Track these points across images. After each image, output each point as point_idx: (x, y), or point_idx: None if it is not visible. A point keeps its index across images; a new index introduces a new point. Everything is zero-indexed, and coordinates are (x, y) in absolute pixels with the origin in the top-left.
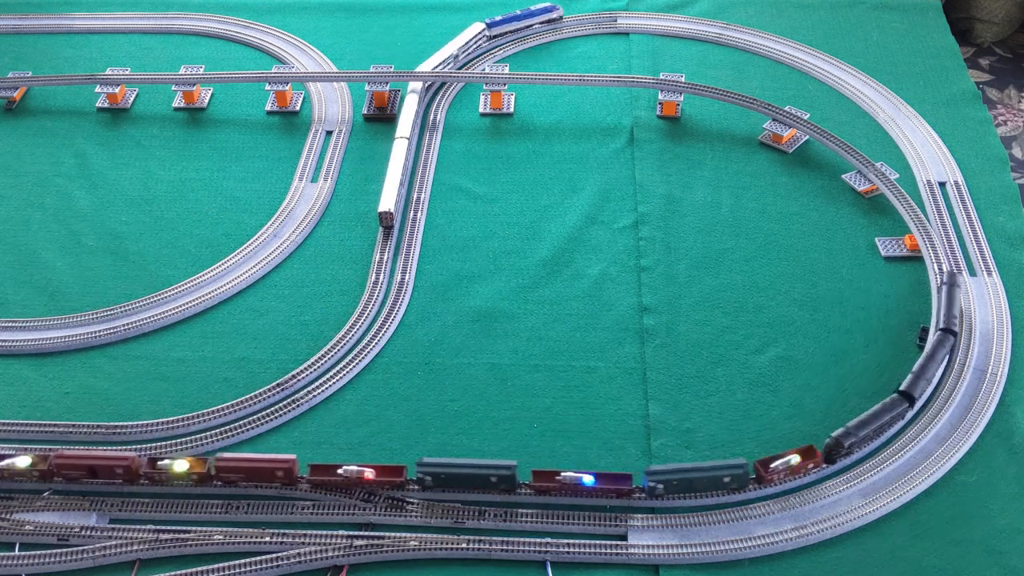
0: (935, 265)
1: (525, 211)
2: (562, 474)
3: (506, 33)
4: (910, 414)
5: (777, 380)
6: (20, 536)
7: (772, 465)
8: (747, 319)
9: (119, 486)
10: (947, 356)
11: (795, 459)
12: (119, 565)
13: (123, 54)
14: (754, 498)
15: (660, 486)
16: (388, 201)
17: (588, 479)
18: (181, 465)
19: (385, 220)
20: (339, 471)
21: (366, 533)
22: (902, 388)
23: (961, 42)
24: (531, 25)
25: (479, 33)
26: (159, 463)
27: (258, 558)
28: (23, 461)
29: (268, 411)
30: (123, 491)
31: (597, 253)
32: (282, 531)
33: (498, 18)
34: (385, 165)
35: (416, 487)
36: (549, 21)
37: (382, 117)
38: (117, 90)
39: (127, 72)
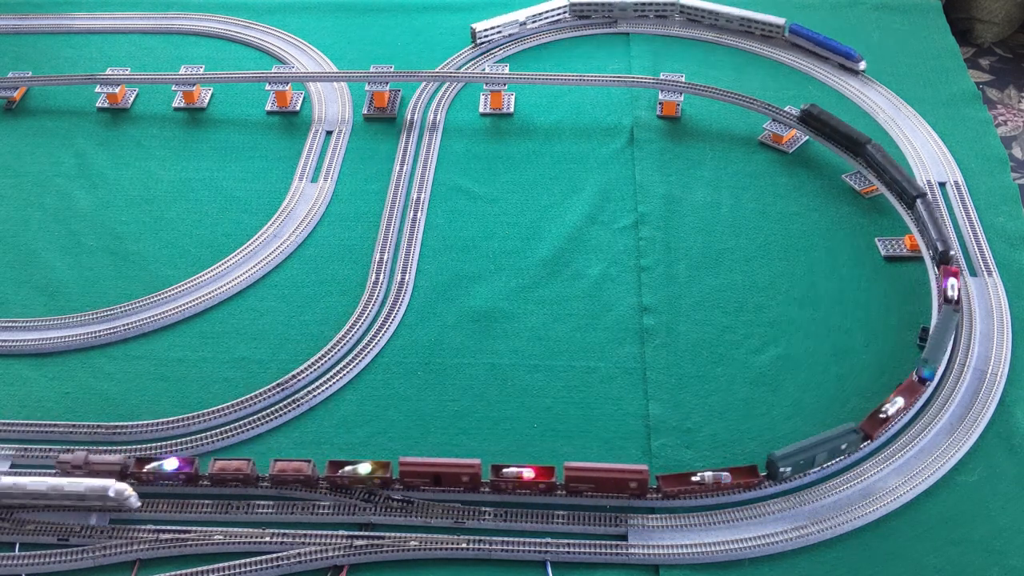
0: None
1: (525, 211)
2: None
3: (802, 47)
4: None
5: (777, 379)
6: (20, 536)
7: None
8: (747, 319)
9: None
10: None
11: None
12: (119, 565)
13: (123, 54)
14: (754, 498)
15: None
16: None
17: (726, 476)
18: (365, 468)
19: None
20: (693, 479)
21: (366, 533)
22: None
23: (961, 42)
24: (824, 56)
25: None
26: (503, 471)
27: (258, 558)
28: (364, 468)
29: (268, 411)
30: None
31: (597, 253)
32: (282, 531)
33: (803, 29)
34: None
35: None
36: (843, 66)
37: (382, 117)
38: (117, 90)
39: (127, 72)
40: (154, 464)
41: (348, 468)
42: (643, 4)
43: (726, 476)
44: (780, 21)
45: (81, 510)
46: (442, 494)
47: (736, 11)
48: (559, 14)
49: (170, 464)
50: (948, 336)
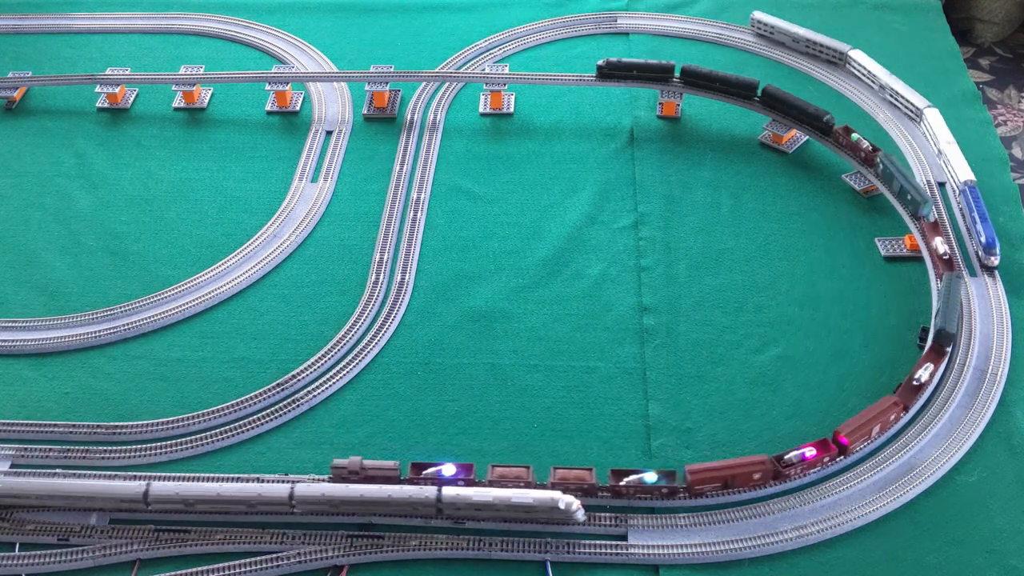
0: (935, 266)
1: (525, 211)
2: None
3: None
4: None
5: (777, 380)
6: (20, 536)
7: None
8: (747, 319)
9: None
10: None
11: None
12: (119, 565)
13: (123, 54)
14: (754, 498)
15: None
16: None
17: (810, 451)
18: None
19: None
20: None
21: (366, 533)
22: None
23: (961, 42)
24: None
25: None
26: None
27: (258, 558)
28: (650, 477)
29: (268, 411)
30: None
31: (597, 253)
32: (282, 531)
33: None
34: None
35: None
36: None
37: (382, 117)
38: (117, 90)
39: (127, 72)
40: (431, 470)
41: (633, 477)
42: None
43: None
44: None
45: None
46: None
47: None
48: None
49: (448, 470)
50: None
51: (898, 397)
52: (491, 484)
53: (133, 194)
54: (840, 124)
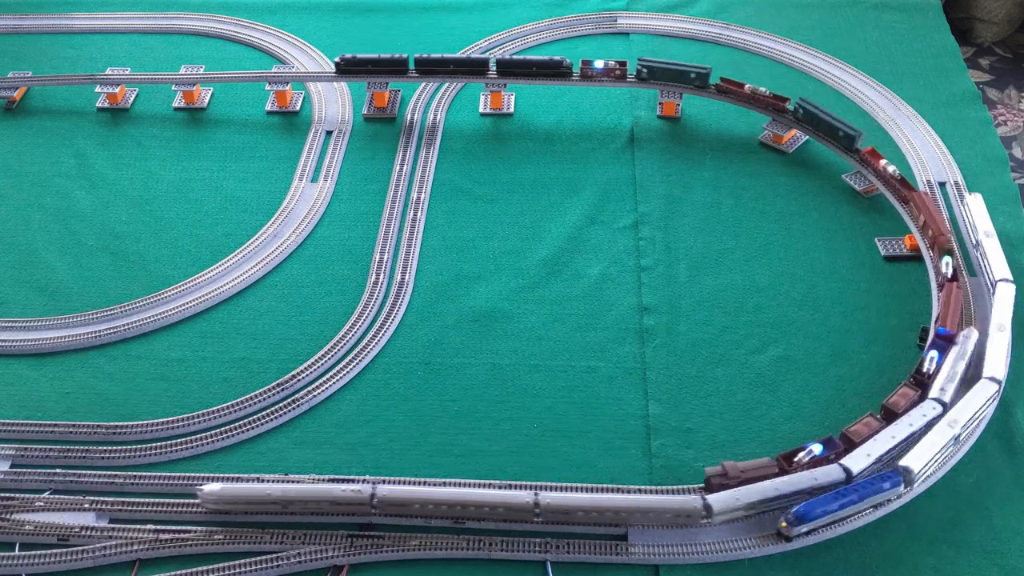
0: (935, 266)
1: (525, 211)
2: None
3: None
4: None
5: (777, 380)
6: (20, 536)
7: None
8: (747, 319)
9: (118, 486)
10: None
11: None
12: (119, 565)
13: (123, 54)
14: None
15: None
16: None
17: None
18: None
19: None
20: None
21: (366, 533)
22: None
23: (961, 42)
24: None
25: None
26: None
27: (258, 558)
28: (816, 448)
29: (268, 411)
30: (122, 491)
31: (597, 253)
32: (282, 531)
33: None
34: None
35: None
36: None
37: (382, 117)
38: (117, 90)
39: (127, 72)
40: (802, 454)
41: (802, 454)
42: None
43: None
44: None
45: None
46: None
47: None
48: None
49: (816, 448)
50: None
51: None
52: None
53: (133, 194)
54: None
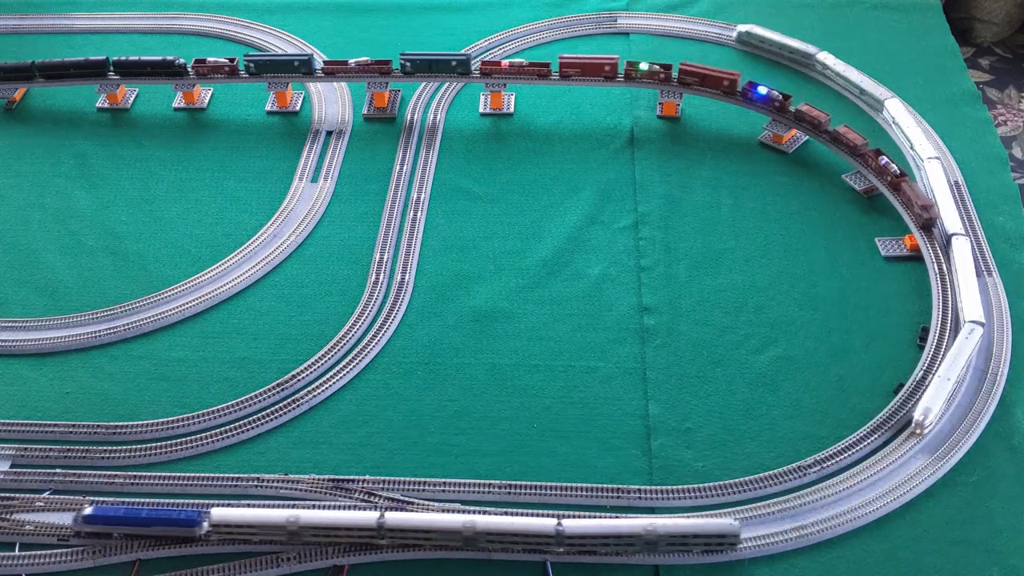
0: (935, 266)
1: (525, 211)
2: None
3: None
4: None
5: (777, 380)
6: (20, 536)
7: None
8: (747, 319)
9: (118, 486)
10: None
11: None
12: (119, 565)
13: (123, 54)
14: (754, 498)
15: None
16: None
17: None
18: None
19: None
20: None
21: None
22: None
23: (961, 42)
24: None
25: None
26: None
27: (258, 558)
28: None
29: (268, 411)
30: (122, 491)
31: (597, 253)
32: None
33: None
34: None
35: None
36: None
37: (382, 117)
38: (117, 90)
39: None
40: None
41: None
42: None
43: None
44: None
45: None
46: (441, 494)
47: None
48: None
49: None
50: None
51: None
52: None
53: (133, 194)
54: (840, 123)
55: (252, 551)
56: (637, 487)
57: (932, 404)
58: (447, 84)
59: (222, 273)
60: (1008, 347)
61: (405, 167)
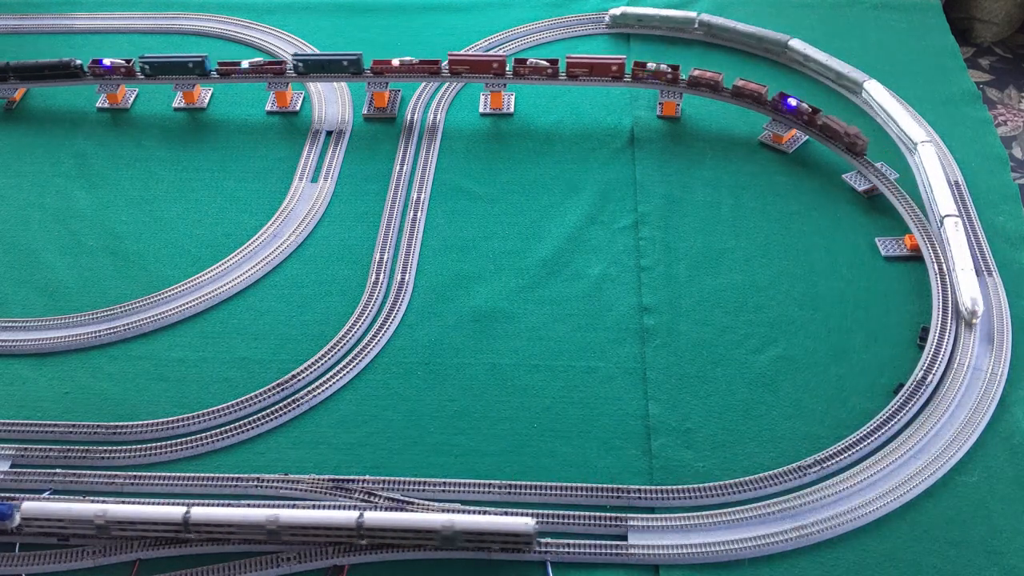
0: (935, 266)
1: (525, 211)
2: None
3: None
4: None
5: (777, 380)
6: (20, 536)
7: None
8: (747, 319)
9: (118, 486)
10: None
11: None
12: (119, 565)
13: (123, 54)
14: (754, 498)
15: None
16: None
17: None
18: None
19: None
20: None
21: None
22: None
23: (961, 42)
24: None
25: None
26: None
27: (258, 558)
28: None
29: (268, 411)
30: (122, 491)
31: (597, 253)
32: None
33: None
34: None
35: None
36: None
37: (382, 117)
38: (117, 90)
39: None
40: None
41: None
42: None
43: None
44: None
45: None
46: (441, 494)
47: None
48: None
49: None
50: None
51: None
52: None
53: (133, 194)
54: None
55: (252, 550)
56: (637, 487)
57: (972, 292)
58: (447, 84)
59: (222, 273)
60: (1008, 347)
61: (405, 167)
